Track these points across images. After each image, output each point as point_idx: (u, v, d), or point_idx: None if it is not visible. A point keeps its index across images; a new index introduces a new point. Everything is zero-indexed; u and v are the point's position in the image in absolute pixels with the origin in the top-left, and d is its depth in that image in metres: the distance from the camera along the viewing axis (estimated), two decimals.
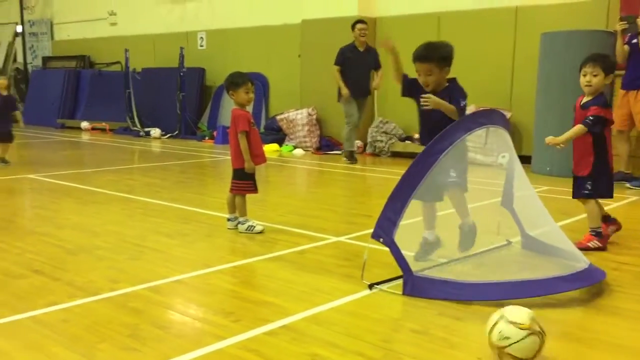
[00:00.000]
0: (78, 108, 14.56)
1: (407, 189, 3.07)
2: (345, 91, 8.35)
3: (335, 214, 5.29)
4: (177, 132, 12.20)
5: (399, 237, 3.03)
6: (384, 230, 3.05)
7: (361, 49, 8.47)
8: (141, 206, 5.38)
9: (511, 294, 2.90)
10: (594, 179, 3.94)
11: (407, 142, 9.30)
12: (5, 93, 8.07)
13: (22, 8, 15.92)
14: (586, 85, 3.93)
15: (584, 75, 3.93)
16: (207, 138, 11.61)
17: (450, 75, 3.59)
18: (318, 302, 2.95)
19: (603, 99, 3.96)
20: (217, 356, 2.37)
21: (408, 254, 3.15)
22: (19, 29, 16.33)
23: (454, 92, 3.49)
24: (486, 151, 7.77)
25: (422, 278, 3.07)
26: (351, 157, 8.59)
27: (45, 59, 16.38)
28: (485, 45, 8.74)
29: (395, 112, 9.79)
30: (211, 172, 8.24)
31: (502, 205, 3.74)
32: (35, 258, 3.66)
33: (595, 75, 3.88)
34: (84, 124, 13.60)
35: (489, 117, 3.41)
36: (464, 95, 3.51)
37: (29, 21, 16.54)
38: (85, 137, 12.45)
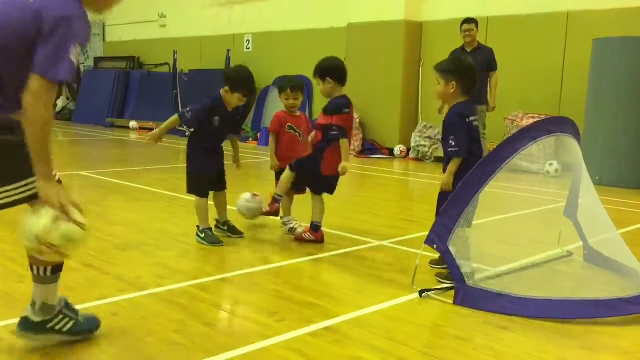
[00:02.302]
0: (127, 108, 14.93)
1: (465, 196, 3.02)
2: None
3: (378, 217, 5.27)
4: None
5: (454, 244, 3.00)
6: (439, 237, 3.02)
7: (469, 50, 7.87)
8: (185, 204, 5.48)
9: (571, 313, 2.83)
10: None
11: None
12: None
13: None
14: None
15: None
16: (251, 139, 11.75)
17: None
18: (361, 305, 2.96)
19: None
20: (261, 355, 2.40)
21: (462, 262, 3.10)
22: None
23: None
24: (532, 158, 7.66)
25: (475, 289, 3.01)
26: None
27: (97, 60, 16.86)
28: (534, 50, 8.59)
29: (440, 117, 9.70)
30: (254, 172, 8.33)
31: (565, 215, 3.64)
32: (87, 252, 3.77)
33: None
34: (132, 123, 13.93)
35: (558, 124, 3.30)
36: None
37: None
38: (133, 136, 12.75)
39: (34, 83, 2.01)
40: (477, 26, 7.76)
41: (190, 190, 4.22)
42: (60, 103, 17.50)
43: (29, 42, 2.04)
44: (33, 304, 2.40)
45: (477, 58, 7.88)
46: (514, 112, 8.29)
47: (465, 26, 7.79)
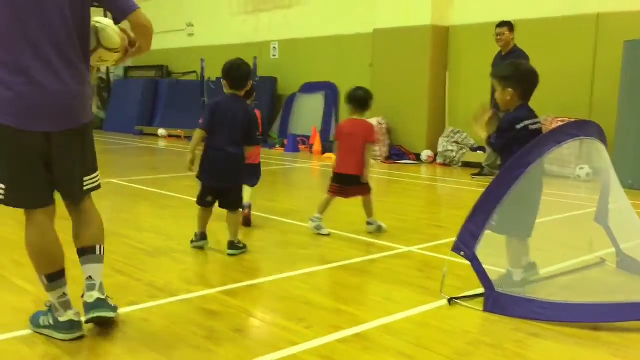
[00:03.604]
0: (156, 116, 15.14)
1: (490, 202, 2.99)
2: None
3: (406, 223, 5.25)
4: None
5: (481, 251, 2.97)
6: (466, 243, 3.00)
7: (503, 53, 7.81)
8: (214, 211, 5.53)
9: (605, 317, 2.78)
10: None
11: (479, 152, 9.12)
12: None
13: None
14: None
15: None
16: (277, 146, 11.80)
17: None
18: (390, 312, 2.95)
19: None
20: None
21: (490, 268, 3.07)
22: None
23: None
24: (563, 162, 7.53)
25: (505, 295, 2.97)
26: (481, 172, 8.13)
27: (127, 69, 17.14)
28: (564, 53, 8.47)
29: (467, 122, 9.62)
30: (281, 179, 8.37)
31: (596, 221, 3.56)
32: (118, 259, 3.84)
33: None
34: (161, 131, 14.12)
35: (581, 128, 3.22)
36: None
37: None
38: (161, 143, 12.93)
39: None
40: (510, 29, 7.71)
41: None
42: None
43: None
44: (93, 285, 2.63)
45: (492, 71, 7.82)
46: (544, 116, 8.18)
47: (497, 30, 7.77)
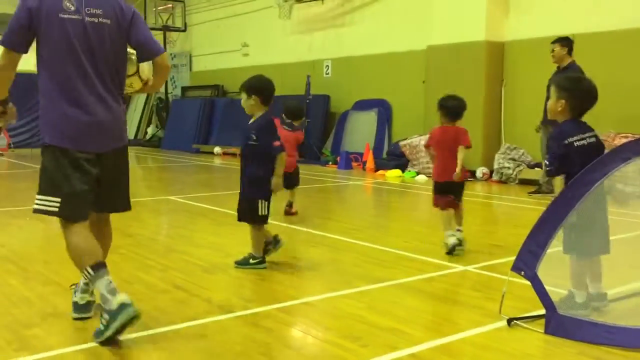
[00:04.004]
0: (212, 134, 15.48)
1: (553, 220, 2.91)
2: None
3: None
4: (301, 157, 12.55)
5: (543, 271, 2.89)
6: (526, 262, 2.93)
7: (559, 69, 7.65)
8: (269, 228, 5.59)
9: None
10: None
11: (537, 169, 8.90)
12: None
13: (165, 42, 17.32)
14: None
15: None
16: (330, 163, 11.85)
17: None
18: (447, 332, 2.90)
19: None
20: None
21: (552, 289, 2.98)
22: None
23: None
24: (626, 180, 7.26)
25: (568, 318, 2.88)
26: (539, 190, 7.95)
27: (184, 89, 17.65)
28: (624, 67, 8.22)
29: (524, 138, 9.43)
30: (335, 197, 8.40)
31: None
32: (177, 274, 3.93)
33: None
34: (217, 149, 14.42)
35: None
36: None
37: (171, 54, 17.93)
38: (217, 161, 13.19)
39: None
40: (562, 45, 7.56)
41: None
42: (150, 131, 18.41)
43: None
44: (87, 290, 2.99)
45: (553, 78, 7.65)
46: (606, 132, 7.93)
47: (550, 46, 7.65)
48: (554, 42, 7.65)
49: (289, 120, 6.26)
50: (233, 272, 4.05)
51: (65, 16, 2.76)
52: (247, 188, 4.13)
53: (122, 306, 2.66)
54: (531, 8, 9.43)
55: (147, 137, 18.32)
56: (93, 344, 2.72)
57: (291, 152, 5.77)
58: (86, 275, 2.77)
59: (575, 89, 3.24)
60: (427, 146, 4.79)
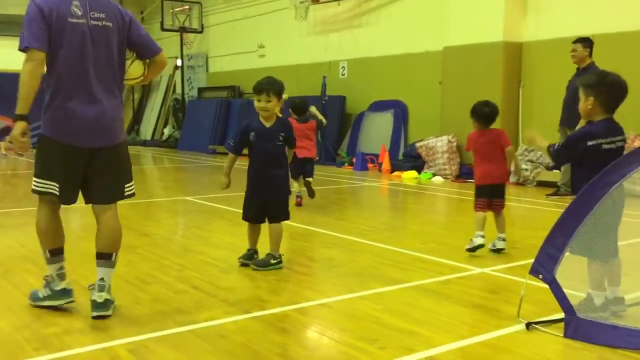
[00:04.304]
0: (228, 135, 15.54)
1: (570, 223, 2.89)
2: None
3: None
4: (317, 158, 12.55)
5: (561, 274, 2.87)
6: (544, 266, 2.90)
7: (579, 70, 7.48)
8: (285, 229, 5.57)
9: None
10: None
11: (555, 171, 8.82)
12: None
13: (182, 43, 17.43)
14: None
15: None
16: (346, 164, 11.84)
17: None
18: (464, 335, 2.89)
19: None
20: None
21: (570, 292, 2.96)
22: (179, 62, 17.86)
23: None
24: None
25: (588, 321, 2.85)
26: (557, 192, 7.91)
27: (200, 90, 17.74)
28: None
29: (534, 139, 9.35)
30: (350, 198, 8.39)
31: None
32: (194, 274, 3.95)
33: None
34: None
35: None
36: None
37: (188, 55, 18.04)
38: None
39: None
40: (585, 46, 7.47)
41: (243, 217, 4.33)
42: (167, 131, 18.54)
43: None
44: (103, 287, 3.06)
45: (576, 81, 7.56)
46: (626, 134, 7.83)
47: (571, 46, 7.57)
48: (575, 42, 7.56)
49: (295, 116, 7.06)
50: (250, 272, 4.06)
51: (74, 20, 2.99)
52: (282, 190, 4.24)
53: (64, 291, 3.17)
54: (550, 8, 9.35)
55: (164, 137, 18.45)
56: (112, 343, 2.75)
57: (300, 142, 5.95)
58: (44, 254, 3.20)
59: (601, 83, 3.21)
60: (467, 149, 4.91)
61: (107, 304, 3.05)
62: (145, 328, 2.94)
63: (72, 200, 3.15)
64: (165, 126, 18.92)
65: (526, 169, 9.09)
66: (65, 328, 2.95)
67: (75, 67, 3.00)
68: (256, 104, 4.15)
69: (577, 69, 7.61)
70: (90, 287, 3.15)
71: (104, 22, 3.05)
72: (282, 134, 4.19)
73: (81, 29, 3.00)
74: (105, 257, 3.13)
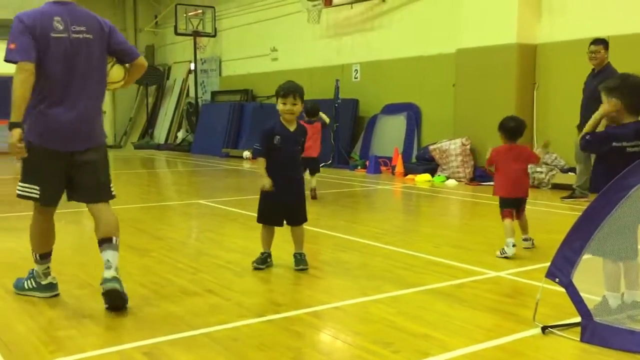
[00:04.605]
0: (241, 138, 15.60)
1: (588, 226, 2.86)
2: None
3: (493, 247, 5.08)
4: (330, 161, 12.57)
5: (578, 277, 2.84)
6: (561, 270, 2.87)
7: (595, 71, 7.40)
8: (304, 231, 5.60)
9: None
10: None
11: (570, 173, 8.75)
12: None
13: (195, 47, 17.53)
14: None
15: None
16: (359, 167, 11.83)
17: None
18: (479, 339, 2.86)
19: None
20: None
21: (587, 296, 2.93)
22: (192, 66, 17.97)
23: None
24: None
25: (605, 325, 2.81)
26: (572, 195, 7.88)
27: (214, 94, 17.82)
28: None
29: (557, 142, 9.27)
30: (363, 201, 8.38)
31: None
32: (208, 278, 3.96)
33: None
34: (246, 153, 14.50)
35: None
36: None
37: (201, 59, 18.14)
38: (246, 165, 13.27)
39: None
40: (605, 48, 7.37)
41: (258, 220, 4.31)
42: (180, 135, 18.64)
43: None
44: (110, 266, 3.23)
45: (593, 83, 7.47)
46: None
47: (592, 47, 7.40)
48: (596, 44, 7.41)
49: (307, 118, 7.84)
50: (263, 276, 4.07)
51: (56, 35, 3.19)
52: (302, 191, 4.31)
53: (50, 285, 3.51)
54: (564, 9, 9.29)
55: (177, 141, 18.55)
56: (126, 346, 2.76)
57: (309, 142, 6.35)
58: (34, 256, 3.47)
59: (624, 85, 3.20)
60: (489, 163, 4.95)
61: (116, 280, 3.20)
62: (159, 331, 2.95)
63: (54, 201, 3.38)
64: (178, 130, 19.03)
65: (541, 172, 9.03)
66: (80, 331, 2.97)
67: (59, 77, 3.20)
68: (281, 107, 4.13)
69: (593, 70, 7.53)
70: (101, 284, 3.24)
71: (84, 35, 3.27)
72: (302, 138, 4.28)
73: (63, 42, 3.20)
74: (107, 241, 3.31)
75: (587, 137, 3.33)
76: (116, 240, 3.32)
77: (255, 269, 4.16)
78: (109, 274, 3.21)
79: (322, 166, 12.70)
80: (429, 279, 3.94)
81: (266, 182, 4.11)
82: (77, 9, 3.30)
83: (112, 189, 3.49)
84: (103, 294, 3.20)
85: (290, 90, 4.10)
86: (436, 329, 3.01)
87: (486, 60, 9.79)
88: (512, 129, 4.84)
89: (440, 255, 4.63)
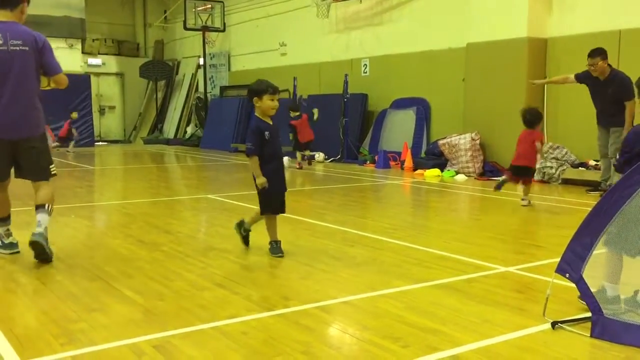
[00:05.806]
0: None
1: (598, 222, 2.84)
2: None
3: (503, 242, 5.08)
4: (339, 156, 12.57)
5: (588, 273, 2.82)
6: (571, 265, 2.86)
7: (601, 79, 7.50)
8: (308, 227, 5.61)
9: None
10: None
11: (580, 168, 8.70)
12: None
13: (204, 42, 17.55)
14: None
15: None
16: (368, 162, 11.82)
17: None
18: (488, 334, 2.86)
19: None
20: None
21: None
22: (201, 61, 17.99)
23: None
24: None
25: (615, 321, 2.80)
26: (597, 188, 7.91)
27: (223, 88, 17.84)
28: None
29: (567, 137, 9.24)
30: (372, 196, 8.37)
31: None
32: (217, 272, 3.97)
33: None
34: None
35: None
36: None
37: (210, 54, 18.16)
38: None
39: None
40: (603, 57, 7.31)
41: (265, 212, 4.45)
42: (190, 130, 18.68)
43: None
44: (40, 225, 4.10)
45: (606, 91, 7.42)
46: None
47: (589, 60, 7.36)
48: (593, 56, 7.34)
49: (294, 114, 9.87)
50: (272, 270, 4.08)
51: None
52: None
53: (11, 244, 4.39)
54: (575, 3, 9.22)
55: (187, 136, 18.60)
56: (137, 339, 2.78)
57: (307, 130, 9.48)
58: None
59: None
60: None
61: (41, 235, 4.03)
62: (169, 325, 2.96)
63: (3, 178, 4.26)
64: (188, 125, 19.09)
65: (551, 167, 8.98)
66: (91, 324, 2.99)
67: (0, 81, 4.03)
68: (271, 103, 4.38)
69: (590, 75, 7.52)
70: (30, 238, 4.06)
71: (21, 47, 4.08)
72: (279, 129, 4.60)
73: (3, 53, 4.03)
74: (41, 207, 4.17)
75: (615, 164, 3.37)
76: (48, 207, 4.19)
77: (278, 257, 4.34)
78: (38, 230, 4.06)
79: (331, 161, 12.80)
80: (439, 274, 3.93)
81: (264, 181, 4.29)
82: (17, 27, 4.11)
83: (52, 170, 4.32)
84: (29, 243, 4.03)
85: (276, 88, 4.42)
86: (445, 324, 3.00)
87: (496, 55, 9.74)
88: (528, 120, 6.64)
89: (450, 250, 4.62)
